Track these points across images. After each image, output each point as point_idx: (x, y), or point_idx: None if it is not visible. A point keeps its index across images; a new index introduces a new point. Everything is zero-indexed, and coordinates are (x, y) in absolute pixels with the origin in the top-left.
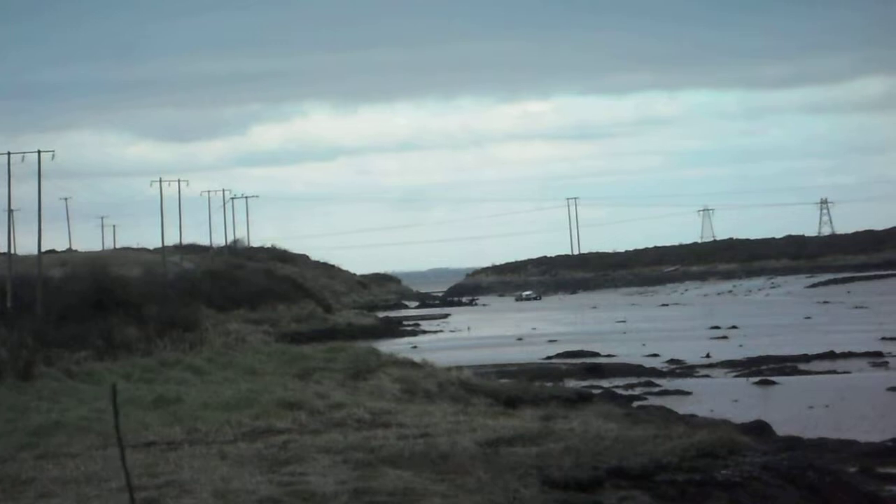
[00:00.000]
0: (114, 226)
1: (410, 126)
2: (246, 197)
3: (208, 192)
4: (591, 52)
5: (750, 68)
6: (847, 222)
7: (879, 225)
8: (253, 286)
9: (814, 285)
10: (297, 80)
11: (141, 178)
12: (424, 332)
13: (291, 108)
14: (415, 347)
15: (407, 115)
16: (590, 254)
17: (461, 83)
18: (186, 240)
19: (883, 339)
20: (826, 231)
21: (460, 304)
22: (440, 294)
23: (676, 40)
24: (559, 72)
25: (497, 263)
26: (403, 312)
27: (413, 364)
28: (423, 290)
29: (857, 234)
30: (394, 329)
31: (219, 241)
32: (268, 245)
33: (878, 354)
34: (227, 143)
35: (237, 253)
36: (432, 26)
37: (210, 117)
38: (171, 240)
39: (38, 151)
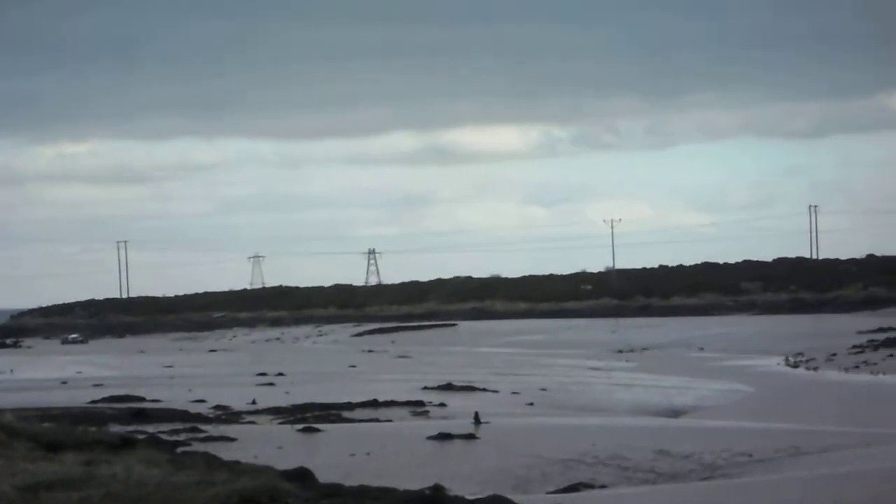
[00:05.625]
0: None
1: None
2: None
3: None
4: (125, 95)
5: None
6: (393, 273)
7: (424, 276)
8: None
9: (360, 334)
10: None
11: None
12: None
13: None
14: None
15: None
16: (138, 298)
17: None
18: None
19: (424, 388)
20: (374, 281)
21: (4, 345)
22: None
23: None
24: (94, 116)
25: (44, 305)
26: None
27: None
28: None
29: (403, 284)
30: None
31: None
32: None
33: (420, 403)
34: None
35: None
36: None
37: None
38: None
39: None
